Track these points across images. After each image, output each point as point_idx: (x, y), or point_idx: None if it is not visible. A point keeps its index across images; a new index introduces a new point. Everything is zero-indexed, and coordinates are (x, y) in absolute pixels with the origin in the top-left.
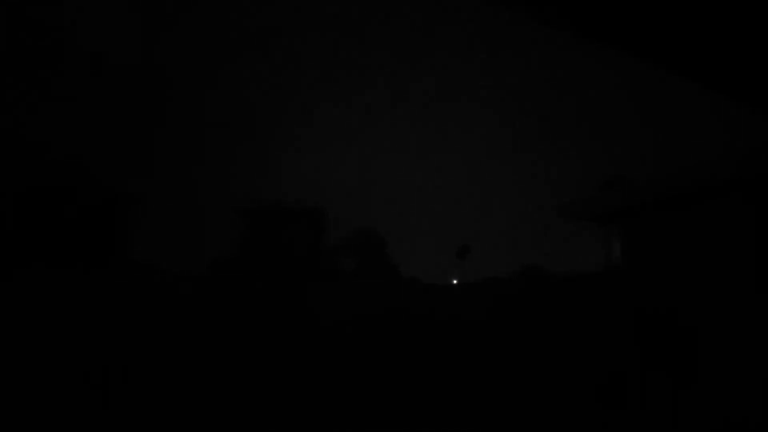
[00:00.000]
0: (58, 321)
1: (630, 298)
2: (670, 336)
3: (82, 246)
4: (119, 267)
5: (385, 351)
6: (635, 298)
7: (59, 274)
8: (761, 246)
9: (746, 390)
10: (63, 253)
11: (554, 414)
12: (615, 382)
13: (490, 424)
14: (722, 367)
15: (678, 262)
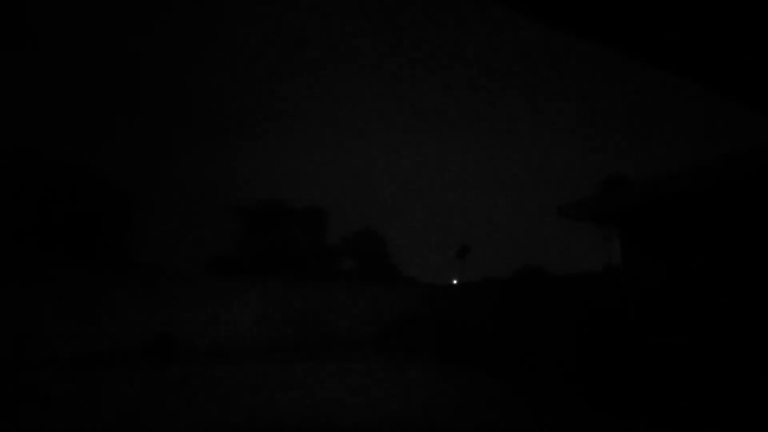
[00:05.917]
0: (58, 320)
1: (629, 297)
2: (669, 335)
3: (82, 246)
4: (119, 267)
5: (385, 349)
6: (635, 298)
7: (59, 274)
8: (761, 245)
9: (746, 389)
10: (63, 253)
11: (553, 412)
12: (613, 381)
13: (489, 423)
14: (722, 367)
15: (677, 261)
